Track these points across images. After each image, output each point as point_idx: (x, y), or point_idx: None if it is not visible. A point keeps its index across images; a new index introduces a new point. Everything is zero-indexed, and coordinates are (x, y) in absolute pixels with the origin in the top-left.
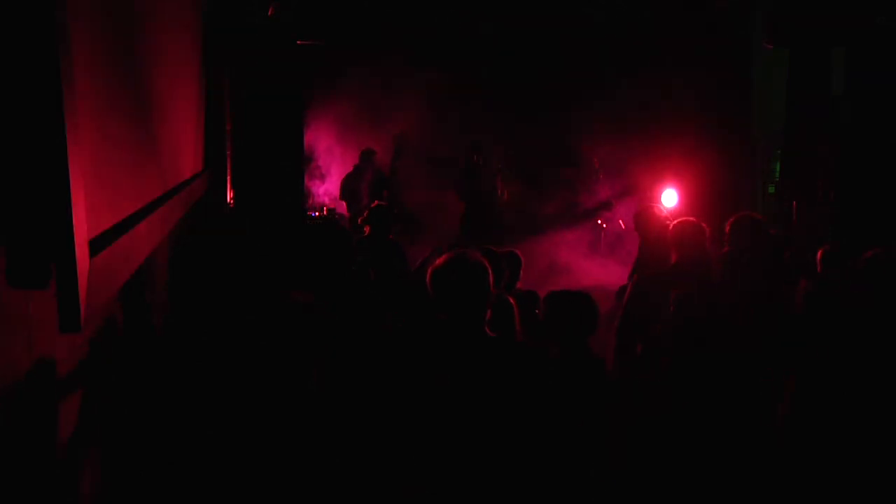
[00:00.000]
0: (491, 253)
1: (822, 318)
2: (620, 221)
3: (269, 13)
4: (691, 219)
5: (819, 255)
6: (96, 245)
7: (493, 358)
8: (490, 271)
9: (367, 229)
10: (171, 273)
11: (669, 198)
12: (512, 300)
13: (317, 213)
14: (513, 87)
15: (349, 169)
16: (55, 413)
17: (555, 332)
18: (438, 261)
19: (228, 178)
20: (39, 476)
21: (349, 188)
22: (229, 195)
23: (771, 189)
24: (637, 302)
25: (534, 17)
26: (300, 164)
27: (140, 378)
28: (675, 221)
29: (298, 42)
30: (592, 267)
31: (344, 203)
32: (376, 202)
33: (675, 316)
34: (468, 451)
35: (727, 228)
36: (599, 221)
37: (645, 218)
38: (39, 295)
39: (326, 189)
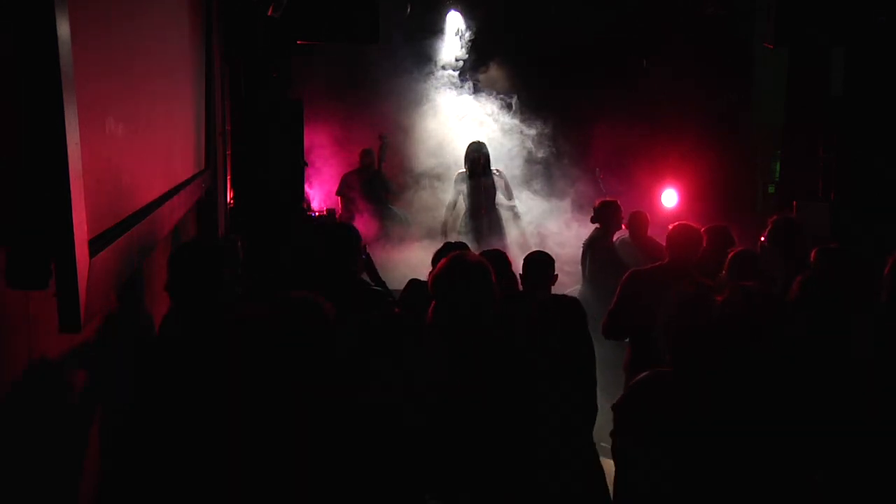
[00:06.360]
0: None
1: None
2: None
3: (269, 13)
4: (687, 222)
5: (812, 254)
6: (96, 245)
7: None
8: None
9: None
10: (172, 272)
11: (669, 198)
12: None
13: (317, 214)
14: (512, 87)
15: (335, 170)
16: (55, 413)
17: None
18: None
19: (228, 178)
20: (39, 476)
21: (349, 184)
22: (229, 195)
23: (771, 189)
24: (628, 294)
25: (532, 17)
26: (300, 163)
27: (140, 378)
28: (672, 224)
29: (298, 42)
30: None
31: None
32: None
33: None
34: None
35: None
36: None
37: (637, 220)
38: (39, 295)
39: (319, 190)
